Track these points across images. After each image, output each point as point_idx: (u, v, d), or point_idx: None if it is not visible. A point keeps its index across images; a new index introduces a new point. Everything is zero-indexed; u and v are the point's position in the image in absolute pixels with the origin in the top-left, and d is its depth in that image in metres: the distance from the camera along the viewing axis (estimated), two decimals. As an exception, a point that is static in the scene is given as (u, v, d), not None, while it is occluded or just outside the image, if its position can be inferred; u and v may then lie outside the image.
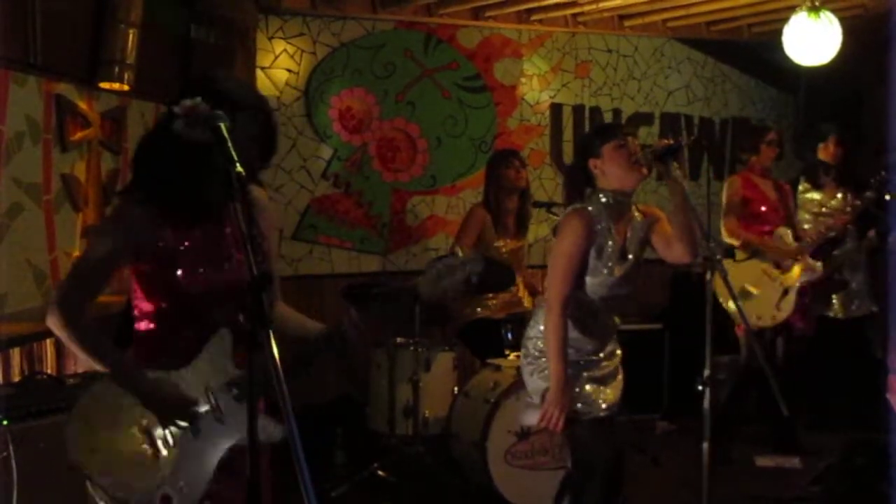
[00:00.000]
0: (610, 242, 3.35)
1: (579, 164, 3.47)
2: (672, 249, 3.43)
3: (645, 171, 3.37)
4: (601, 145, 3.38)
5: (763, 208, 5.28)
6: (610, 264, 3.35)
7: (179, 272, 2.31)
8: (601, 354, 3.45)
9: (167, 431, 2.30)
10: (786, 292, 5.14)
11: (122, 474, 2.25)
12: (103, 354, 2.28)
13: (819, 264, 5.19)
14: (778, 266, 5.17)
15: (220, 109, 2.07)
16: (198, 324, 2.34)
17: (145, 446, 2.27)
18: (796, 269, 5.17)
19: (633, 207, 3.48)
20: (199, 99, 2.09)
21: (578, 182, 3.46)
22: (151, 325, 2.39)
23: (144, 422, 2.29)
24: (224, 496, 2.32)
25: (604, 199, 3.37)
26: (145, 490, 2.24)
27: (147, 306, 2.38)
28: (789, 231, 5.23)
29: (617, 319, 3.52)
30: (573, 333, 3.37)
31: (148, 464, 2.26)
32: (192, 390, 2.31)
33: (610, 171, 3.37)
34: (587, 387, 3.40)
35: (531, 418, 3.63)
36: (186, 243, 2.33)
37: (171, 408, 2.28)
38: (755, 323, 5.02)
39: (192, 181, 2.26)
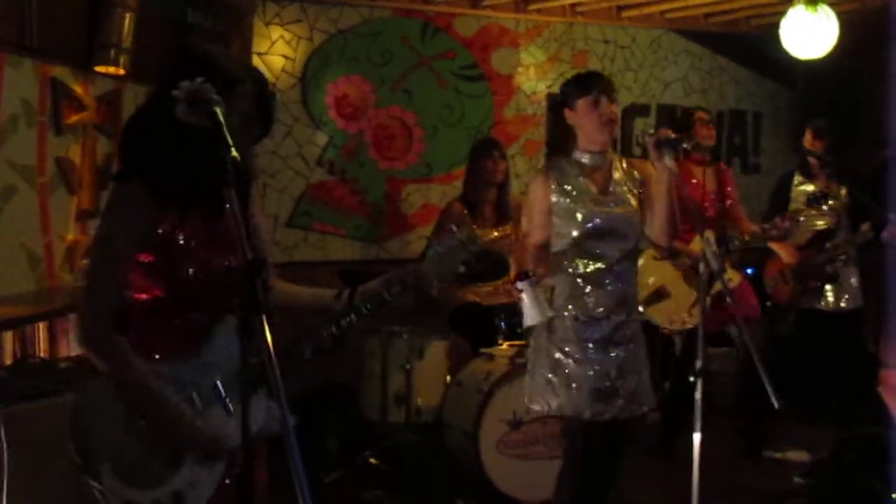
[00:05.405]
0: (581, 180, 3.37)
1: (559, 112, 3.50)
2: (652, 226, 3.41)
3: (616, 129, 3.41)
4: (577, 98, 3.39)
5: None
6: (587, 199, 3.35)
7: (179, 259, 2.20)
8: (604, 319, 3.37)
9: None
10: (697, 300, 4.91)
11: (132, 475, 2.14)
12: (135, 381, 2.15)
13: (737, 276, 5.00)
14: (696, 270, 4.64)
15: (215, 87, 2.00)
16: (200, 311, 2.23)
17: (161, 450, 2.16)
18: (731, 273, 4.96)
19: (617, 159, 3.47)
20: (200, 80, 2.00)
21: (563, 128, 3.48)
22: (149, 313, 2.24)
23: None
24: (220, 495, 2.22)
25: (566, 165, 3.42)
26: (156, 488, 2.14)
27: (145, 293, 2.23)
28: (712, 235, 4.92)
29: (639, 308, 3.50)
30: (577, 290, 3.35)
31: (162, 467, 2.15)
32: (201, 377, 2.20)
33: (582, 126, 3.39)
34: (595, 396, 3.35)
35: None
36: (186, 230, 2.20)
37: (201, 442, 2.16)
38: (668, 326, 4.77)
39: (190, 166, 2.14)
